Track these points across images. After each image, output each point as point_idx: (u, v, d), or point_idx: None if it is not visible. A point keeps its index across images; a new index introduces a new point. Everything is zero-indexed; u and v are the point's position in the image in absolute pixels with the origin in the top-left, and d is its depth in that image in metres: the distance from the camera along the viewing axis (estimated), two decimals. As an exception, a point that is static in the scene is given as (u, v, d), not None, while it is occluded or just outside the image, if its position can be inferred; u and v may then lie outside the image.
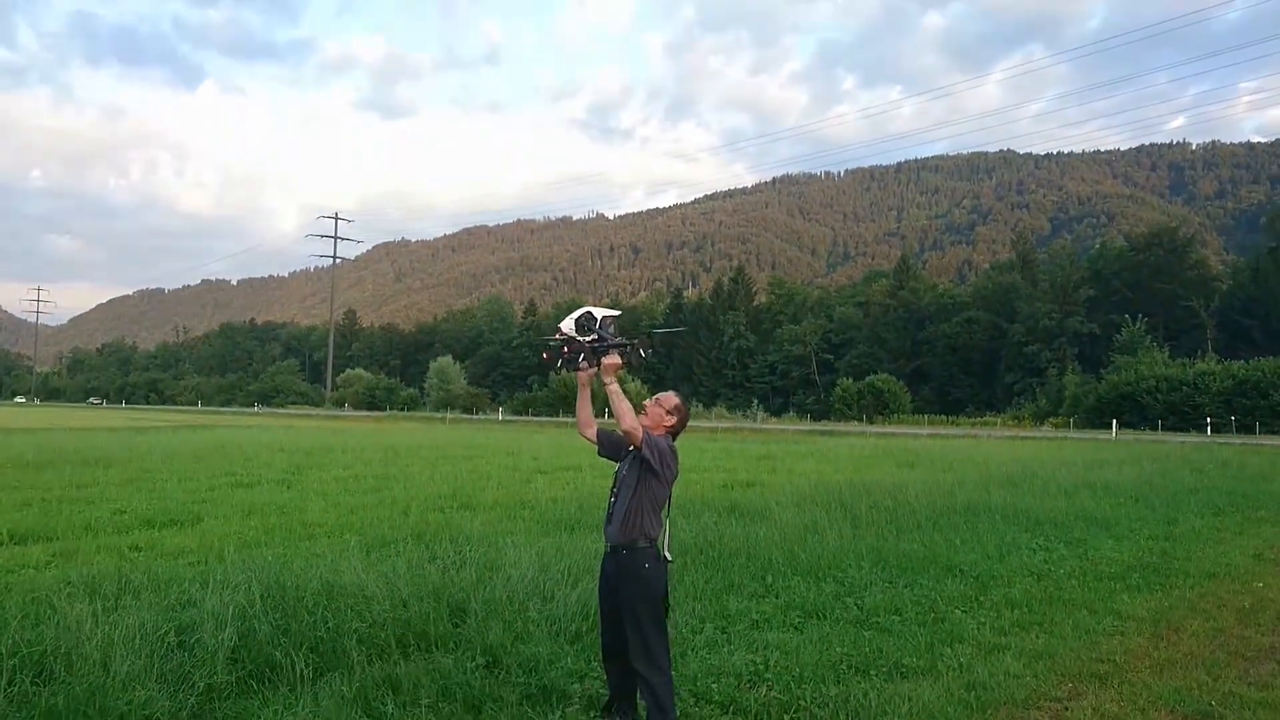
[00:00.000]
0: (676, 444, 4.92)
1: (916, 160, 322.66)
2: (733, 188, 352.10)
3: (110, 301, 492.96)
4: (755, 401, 77.99)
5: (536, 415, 75.87)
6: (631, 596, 4.61)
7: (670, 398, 4.97)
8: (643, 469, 4.64)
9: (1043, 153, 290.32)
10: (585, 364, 5.21)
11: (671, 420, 4.88)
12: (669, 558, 4.78)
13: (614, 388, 4.64)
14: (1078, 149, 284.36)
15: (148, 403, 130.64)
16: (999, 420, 61.33)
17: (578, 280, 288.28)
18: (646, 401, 4.98)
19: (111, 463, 20.03)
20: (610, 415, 4.85)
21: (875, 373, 71.15)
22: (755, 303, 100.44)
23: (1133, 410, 52.17)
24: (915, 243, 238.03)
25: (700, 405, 78.55)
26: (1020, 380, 71.28)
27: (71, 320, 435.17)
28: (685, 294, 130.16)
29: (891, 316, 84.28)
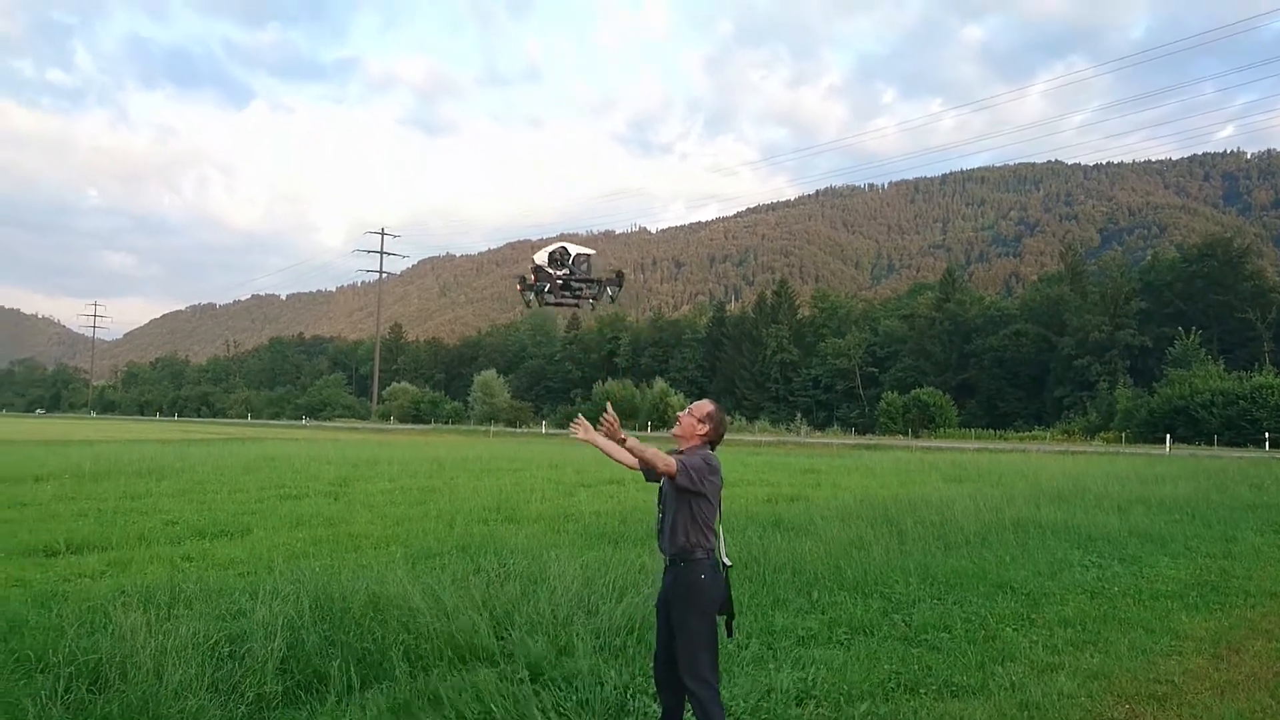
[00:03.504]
0: (716, 452, 4.85)
1: (962, 172, 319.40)
2: (775, 201, 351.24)
3: (164, 316, 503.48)
4: (799, 415, 77.48)
5: (579, 428, 76.02)
6: (682, 609, 4.58)
7: (703, 405, 4.87)
8: (679, 491, 4.61)
9: (1091, 163, 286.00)
10: (554, 297, 5.16)
11: (705, 429, 4.77)
12: (728, 563, 4.74)
13: (631, 443, 4.59)
14: (1127, 159, 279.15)
15: (199, 415, 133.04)
16: (1048, 434, 60.27)
17: (621, 293, 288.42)
18: (680, 413, 4.91)
19: (164, 474, 20.41)
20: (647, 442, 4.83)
21: (921, 386, 70.35)
22: (798, 316, 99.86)
23: (1187, 424, 51.00)
24: (961, 255, 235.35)
25: (743, 419, 78.20)
26: (1070, 394, 70.03)
27: (127, 335, 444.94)
28: (728, 307, 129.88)
29: (937, 329, 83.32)
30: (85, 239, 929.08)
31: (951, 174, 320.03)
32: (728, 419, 5.10)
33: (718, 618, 4.65)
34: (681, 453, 4.72)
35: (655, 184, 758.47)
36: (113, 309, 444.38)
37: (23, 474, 19.44)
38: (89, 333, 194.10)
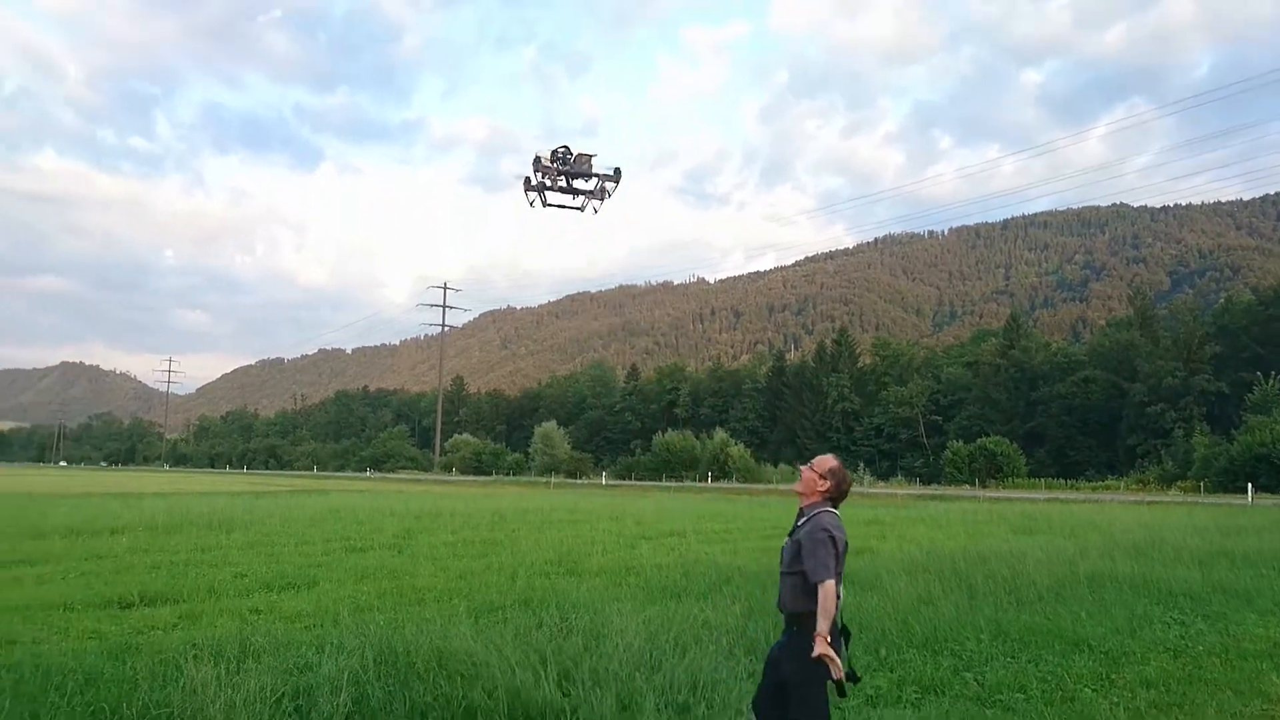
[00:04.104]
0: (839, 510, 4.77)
1: (1024, 216, 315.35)
2: (833, 249, 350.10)
3: (234, 371, 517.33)
4: (861, 465, 76.32)
5: (639, 480, 75.81)
6: (797, 672, 4.50)
7: (826, 460, 4.81)
8: (796, 554, 4.59)
9: (1158, 205, 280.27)
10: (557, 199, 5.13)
11: (827, 485, 4.70)
12: (846, 628, 4.66)
13: (820, 629, 4.50)
14: (1196, 200, 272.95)
15: (267, 468, 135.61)
16: (1122, 484, 58.44)
17: (679, 344, 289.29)
18: (802, 467, 4.87)
19: (233, 527, 20.79)
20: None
21: (986, 435, 68.87)
22: (859, 364, 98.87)
23: (1270, 473, 49.03)
24: (1025, 300, 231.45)
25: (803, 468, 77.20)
26: (1143, 442, 67.95)
27: (199, 389, 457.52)
28: (787, 356, 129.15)
29: (1002, 376, 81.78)
30: (162, 297, 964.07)
31: (1013, 219, 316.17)
32: (851, 474, 5.03)
33: (830, 680, 4.54)
34: (804, 512, 4.72)
35: (713, 234, 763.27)
36: (187, 364, 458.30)
37: (100, 527, 19.96)
38: (164, 388, 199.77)
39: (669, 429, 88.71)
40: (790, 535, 4.73)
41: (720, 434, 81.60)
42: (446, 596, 10.92)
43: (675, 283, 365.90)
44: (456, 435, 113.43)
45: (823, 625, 4.38)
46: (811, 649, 4.40)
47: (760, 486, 61.35)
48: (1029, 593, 10.62)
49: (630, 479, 77.75)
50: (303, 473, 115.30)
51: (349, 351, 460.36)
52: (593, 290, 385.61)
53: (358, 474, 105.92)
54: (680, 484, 67.38)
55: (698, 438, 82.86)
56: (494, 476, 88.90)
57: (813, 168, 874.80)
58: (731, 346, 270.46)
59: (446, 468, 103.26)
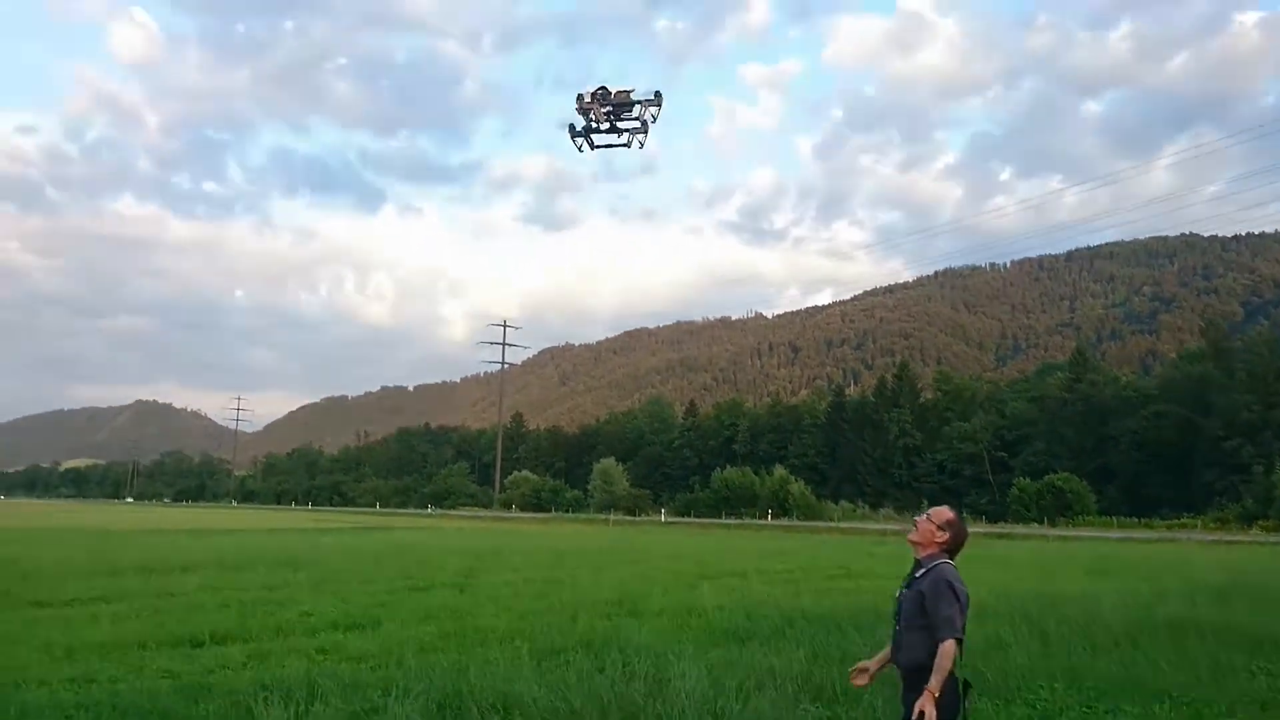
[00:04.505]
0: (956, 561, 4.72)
1: (1088, 248, 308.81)
2: (892, 283, 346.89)
3: (300, 409, 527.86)
4: (925, 502, 74.64)
5: (698, 517, 75.32)
6: None
7: (943, 512, 4.79)
8: (922, 612, 4.54)
9: (1230, 234, 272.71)
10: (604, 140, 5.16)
11: (944, 536, 4.68)
12: (966, 681, 4.62)
13: (931, 685, 4.47)
14: (1269, 229, 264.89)
15: (331, 504, 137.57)
16: (1199, 522, 56.40)
17: (737, 379, 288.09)
18: (918, 518, 4.84)
19: (299, 565, 21.11)
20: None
21: (1054, 471, 67.17)
22: (921, 399, 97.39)
23: (1357, 512, 47.02)
24: (1091, 333, 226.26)
25: (866, 507, 76.14)
26: (1221, 478, 65.61)
27: (266, 426, 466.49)
28: (847, 391, 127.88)
29: (1070, 411, 79.85)
30: (232, 336, 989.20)
31: (1077, 250, 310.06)
32: (967, 527, 4.97)
33: None
34: (920, 564, 4.68)
35: (770, 270, 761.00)
36: (254, 402, 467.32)
37: (171, 564, 20.44)
38: (232, 425, 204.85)
39: (727, 465, 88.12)
40: (907, 586, 4.70)
41: (780, 470, 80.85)
42: (509, 638, 10.93)
43: (733, 318, 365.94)
44: (516, 472, 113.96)
45: (934, 681, 4.35)
46: (947, 701, 4.36)
47: (821, 524, 60.54)
48: (1104, 639, 10.29)
49: (689, 516, 77.29)
50: (366, 509, 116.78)
51: (411, 389, 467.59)
52: (650, 326, 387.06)
53: (419, 511, 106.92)
54: (740, 521, 66.79)
55: (756, 474, 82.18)
56: (553, 513, 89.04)
57: (870, 202, 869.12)
58: (790, 382, 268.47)
59: (506, 504, 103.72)
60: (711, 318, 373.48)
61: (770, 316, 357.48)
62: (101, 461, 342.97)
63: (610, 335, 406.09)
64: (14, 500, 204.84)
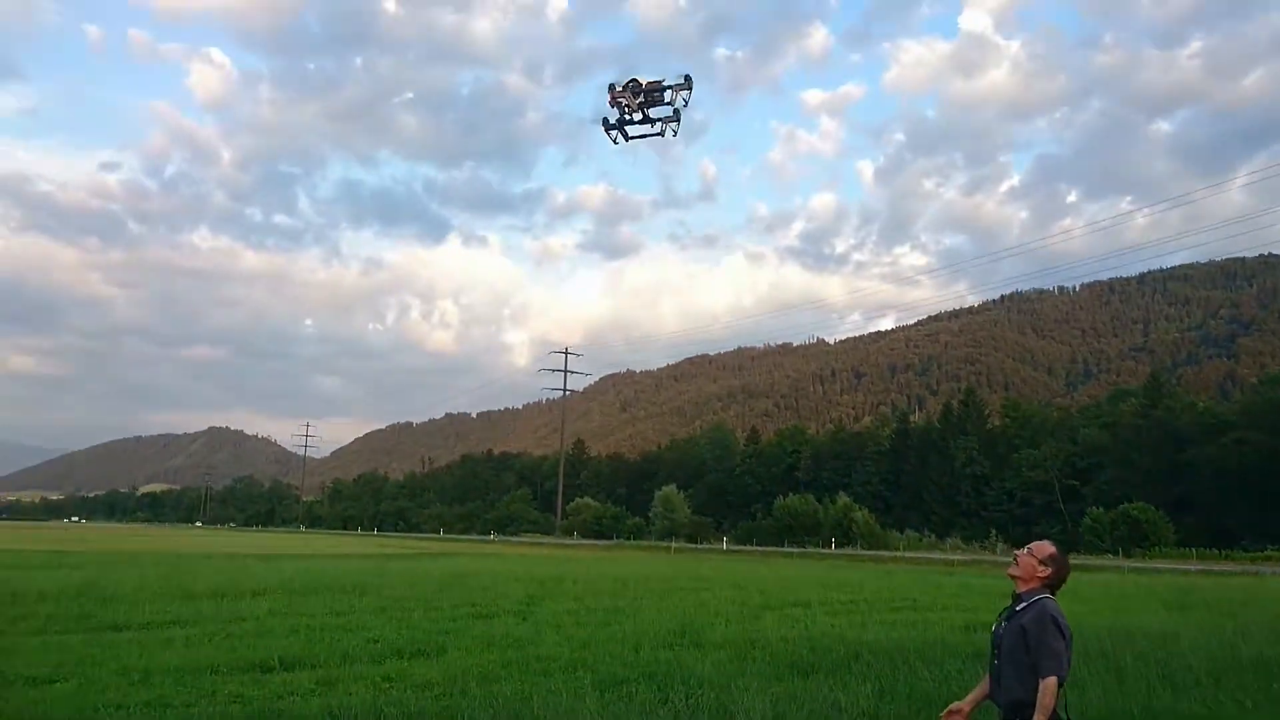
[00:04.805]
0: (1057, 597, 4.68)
1: (1161, 270, 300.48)
2: (957, 308, 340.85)
3: (366, 435, 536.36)
4: (993, 532, 73.17)
5: (761, 545, 74.61)
6: None
7: (1045, 547, 4.77)
8: (1025, 650, 4.47)
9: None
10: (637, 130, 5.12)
11: (1046, 572, 4.66)
12: (1067, 718, 4.57)
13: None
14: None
15: (396, 530, 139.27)
16: (1285, 554, 54.19)
17: (800, 406, 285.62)
18: (1019, 551, 4.80)
19: (365, 590, 21.39)
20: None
21: (1129, 500, 65.14)
22: (988, 426, 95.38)
23: None
24: (1166, 357, 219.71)
25: (933, 536, 74.65)
26: (1308, 509, 62.98)
27: (334, 453, 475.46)
28: (911, 418, 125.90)
29: (1144, 438, 77.44)
30: (301, 365, 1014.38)
31: (1150, 273, 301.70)
32: (1070, 561, 4.91)
33: None
34: (1021, 598, 4.63)
35: (831, 295, 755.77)
36: (322, 429, 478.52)
37: (242, 589, 20.86)
38: (301, 451, 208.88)
39: (789, 493, 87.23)
40: (1007, 619, 4.66)
41: (843, 498, 79.78)
42: (571, 667, 10.93)
43: (794, 344, 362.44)
44: (578, 499, 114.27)
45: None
46: None
47: (886, 554, 59.54)
48: (1184, 677, 9.93)
49: (751, 544, 76.60)
50: (429, 535, 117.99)
51: (474, 415, 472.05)
52: (711, 353, 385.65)
53: (482, 537, 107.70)
54: (802, 550, 66.00)
55: (820, 502, 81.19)
56: (615, 540, 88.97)
57: (933, 226, 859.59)
58: (853, 408, 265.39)
59: (568, 531, 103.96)
60: (773, 343, 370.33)
61: (832, 342, 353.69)
62: (176, 486, 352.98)
63: (671, 362, 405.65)
64: (95, 524, 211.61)
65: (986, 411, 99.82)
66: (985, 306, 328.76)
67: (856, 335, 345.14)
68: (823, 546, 68.65)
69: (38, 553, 40.48)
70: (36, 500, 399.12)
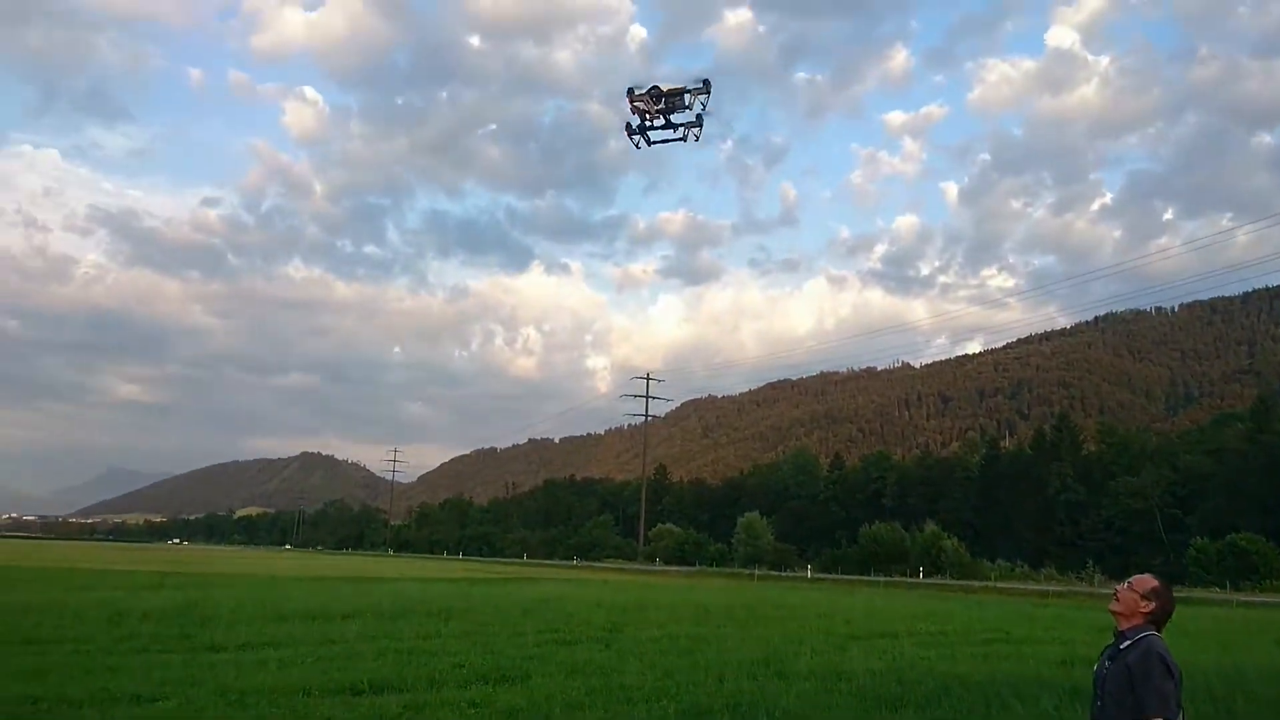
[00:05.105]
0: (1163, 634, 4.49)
1: (1268, 289, 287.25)
2: (1048, 330, 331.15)
3: (452, 460, 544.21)
4: (1090, 562, 70.51)
5: (846, 573, 73.29)
6: None
7: (1146, 580, 4.59)
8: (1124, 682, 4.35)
9: None
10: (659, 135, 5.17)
11: (1149, 607, 4.48)
12: None
13: None
14: None
15: (480, 554, 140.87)
16: None
17: (884, 431, 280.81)
18: (1119, 586, 4.65)
19: (451, 615, 21.67)
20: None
21: (1235, 530, 62.14)
22: (1083, 451, 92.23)
23: None
24: (1275, 380, 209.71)
25: (1026, 566, 72.34)
26: None
27: (420, 477, 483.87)
28: (1001, 444, 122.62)
29: (1252, 465, 73.89)
30: (389, 391, 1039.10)
31: (1254, 292, 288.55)
32: (1174, 595, 4.73)
33: None
34: (1124, 635, 4.49)
35: (916, 318, 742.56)
36: (409, 454, 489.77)
37: (333, 611, 21.34)
38: (389, 476, 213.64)
39: (875, 520, 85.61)
40: (1110, 658, 4.49)
41: (931, 526, 77.94)
42: (654, 697, 10.89)
43: (878, 369, 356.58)
44: (660, 524, 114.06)
45: None
46: None
47: (976, 584, 57.93)
48: (1301, 721, 9.41)
49: (836, 572, 75.33)
50: (513, 560, 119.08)
51: (556, 441, 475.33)
52: (793, 377, 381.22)
53: (565, 562, 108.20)
54: (889, 579, 64.64)
55: (906, 530, 79.48)
56: (697, 567, 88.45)
57: (1021, 246, 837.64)
58: (940, 433, 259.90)
59: (650, 557, 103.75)
60: (857, 368, 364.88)
61: (918, 366, 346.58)
62: (271, 510, 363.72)
63: (753, 387, 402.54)
64: (195, 546, 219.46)
65: (1081, 437, 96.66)
66: (1078, 328, 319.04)
67: (943, 359, 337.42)
68: (910, 575, 67.13)
69: (142, 574, 42.12)
70: (141, 523, 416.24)
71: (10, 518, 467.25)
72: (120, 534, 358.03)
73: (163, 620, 18.41)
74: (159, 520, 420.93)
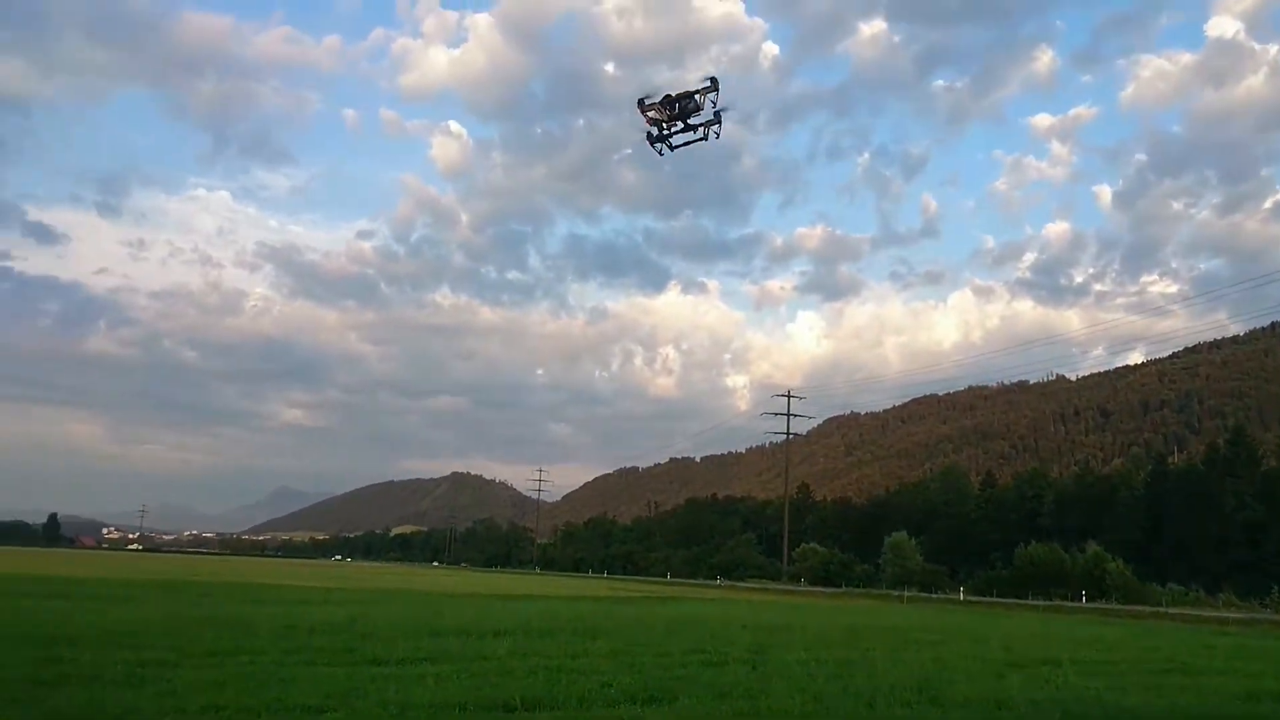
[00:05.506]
0: None
1: None
2: (1218, 337, 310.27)
3: (595, 480, 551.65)
4: (1275, 588, 65.36)
5: (1001, 596, 70.28)
6: None
7: None
8: None
9: None
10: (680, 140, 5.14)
11: None
12: None
13: None
14: None
15: (624, 572, 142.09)
16: None
17: (1039, 447, 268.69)
18: None
19: (598, 634, 21.92)
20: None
21: None
22: (1263, 467, 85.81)
23: None
24: None
25: (1201, 591, 67.61)
26: None
27: (565, 497, 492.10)
28: (1170, 459, 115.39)
29: None
30: (533, 412, 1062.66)
31: None
32: None
33: None
34: None
35: (1070, 329, 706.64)
36: (554, 473, 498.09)
37: (484, 628, 21.95)
38: (535, 495, 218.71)
39: (1031, 540, 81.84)
40: None
41: (1093, 547, 73.90)
42: (804, 721, 10.73)
43: (1030, 382, 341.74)
44: (804, 544, 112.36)
45: None
46: None
47: (1145, 609, 54.53)
48: None
49: (990, 595, 72.33)
50: (656, 579, 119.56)
51: (697, 459, 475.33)
52: (940, 393, 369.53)
53: (708, 581, 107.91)
54: (1048, 603, 61.60)
55: (1066, 551, 75.60)
56: (843, 588, 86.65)
57: (1184, 250, 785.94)
58: (1100, 449, 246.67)
59: (794, 577, 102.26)
60: (1007, 381, 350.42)
61: (1074, 379, 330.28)
62: (424, 528, 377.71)
63: (898, 403, 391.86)
64: (354, 563, 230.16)
65: (1260, 451, 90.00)
66: (1252, 336, 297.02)
67: (1101, 371, 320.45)
68: (1071, 600, 63.79)
69: (310, 589, 44.44)
70: (307, 540, 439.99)
71: (191, 535, 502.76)
72: (288, 551, 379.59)
73: (329, 634, 19.34)
74: (322, 538, 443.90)
